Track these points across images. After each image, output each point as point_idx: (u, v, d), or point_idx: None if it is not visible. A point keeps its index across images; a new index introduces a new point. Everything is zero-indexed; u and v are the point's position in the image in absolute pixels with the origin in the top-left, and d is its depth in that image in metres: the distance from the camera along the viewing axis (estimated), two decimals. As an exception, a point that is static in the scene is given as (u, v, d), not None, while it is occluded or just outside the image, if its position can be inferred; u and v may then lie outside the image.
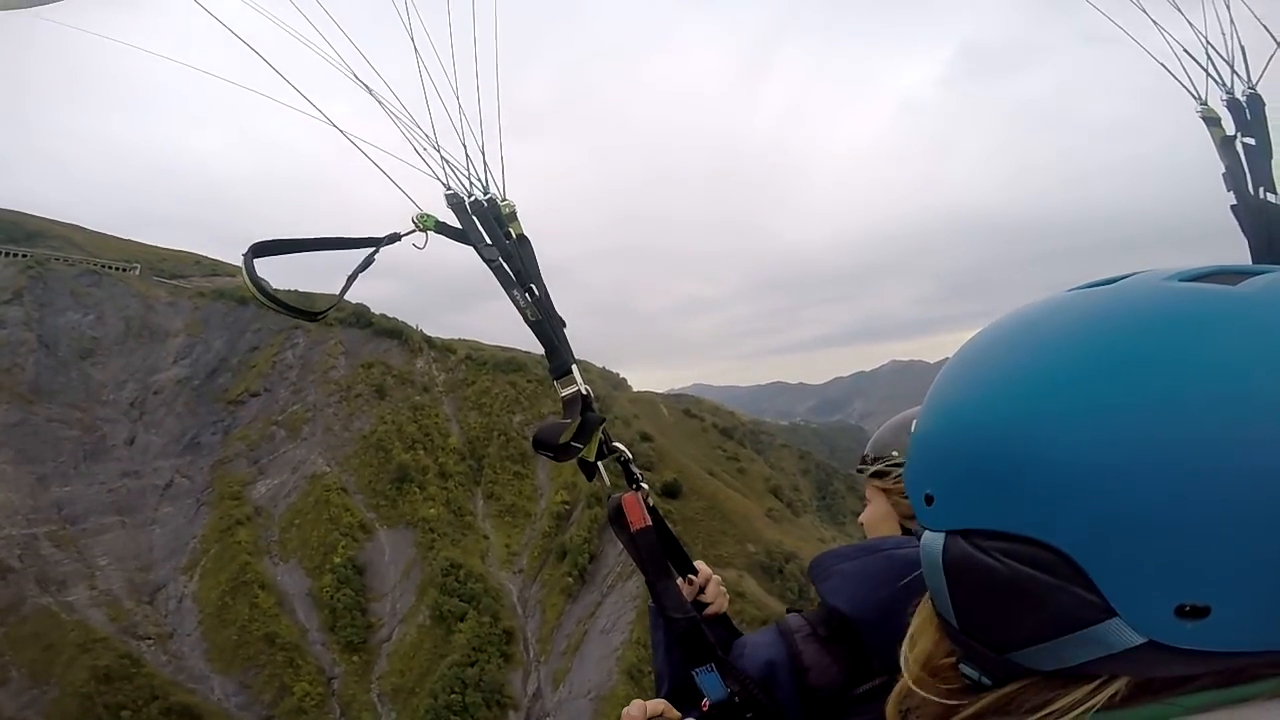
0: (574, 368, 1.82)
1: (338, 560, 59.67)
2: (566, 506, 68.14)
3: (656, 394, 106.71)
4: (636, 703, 1.49)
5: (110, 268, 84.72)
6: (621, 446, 1.88)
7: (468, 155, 1.91)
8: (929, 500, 0.85)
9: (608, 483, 1.80)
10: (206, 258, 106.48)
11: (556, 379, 1.84)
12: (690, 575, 1.87)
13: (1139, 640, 0.66)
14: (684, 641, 1.59)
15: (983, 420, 0.78)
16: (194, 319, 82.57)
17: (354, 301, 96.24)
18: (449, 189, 1.88)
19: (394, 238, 1.74)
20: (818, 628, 1.52)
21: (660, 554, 1.70)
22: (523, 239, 1.96)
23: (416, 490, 68.61)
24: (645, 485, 1.81)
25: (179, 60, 2.26)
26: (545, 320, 1.84)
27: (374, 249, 1.72)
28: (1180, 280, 0.75)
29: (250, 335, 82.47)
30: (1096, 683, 0.71)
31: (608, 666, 52.93)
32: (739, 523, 67.00)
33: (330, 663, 53.40)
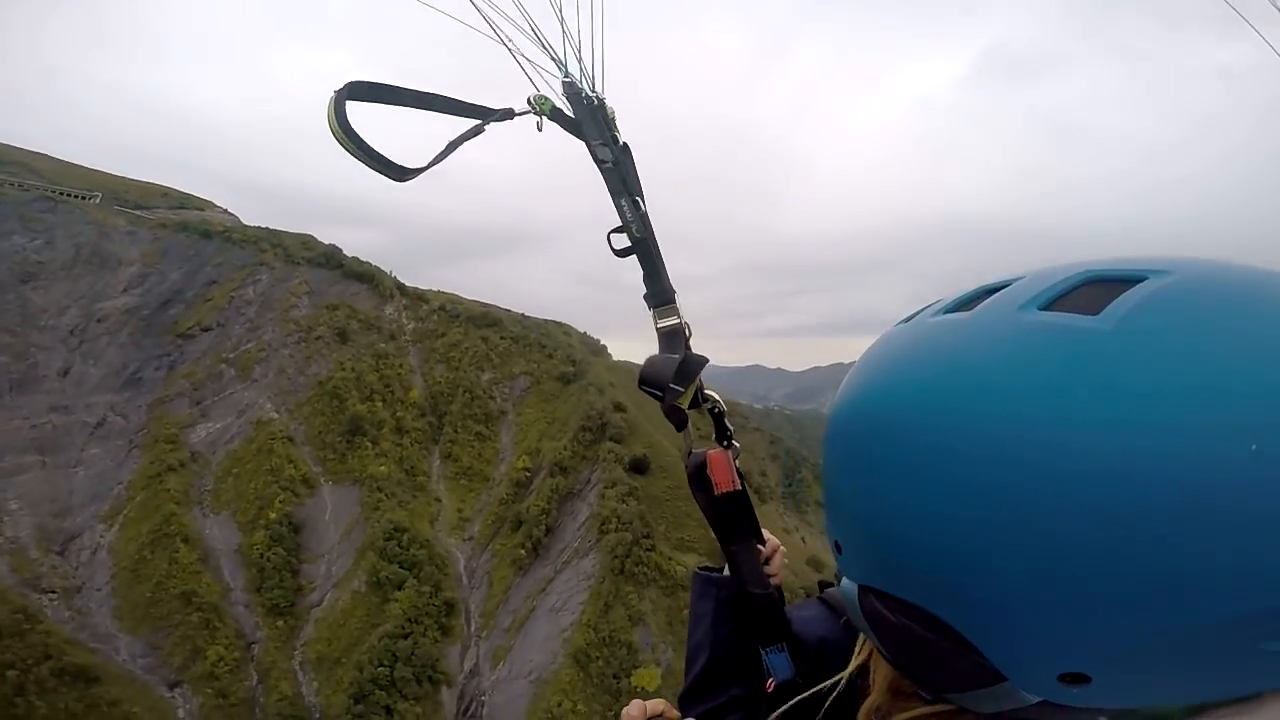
0: (677, 296, 1.58)
1: (273, 516, 55.87)
2: (527, 474, 64.29)
3: (635, 365, 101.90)
4: (636, 703, 1.43)
5: (69, 195, 79.52)
6: (716, 396, 1.61)
7: (579, 57, 1.71)
8: (839, 548, 0.82)
9: (693, 434, 1.60)
10: (176, 190, 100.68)
11: (655, 308, 1.58)
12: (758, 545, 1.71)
13: (1036, 699, 0.67)
14: (758, 618, 1.48)
15: (854, 485, 0.75)
16: (152, 249, 77.31)
17: (326, 243, 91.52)
18: (567, 76, 1.67)
19: (508, 113, 1.60)
20: None
21: (744, 521, 1.54)
22: (625, 147, 1.70)
23: (369, 445, 64.44)
24: (736, 444, 1.59)
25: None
26: (649, 238, 1.59)
27: (484, 120, 1.57)
28: (1039, 308, 0.69)
29: (210, 269, 77.31)
30: None
31: (553, 648, 49.55)
32: (706, 504, 63.23)
33: (252, 626, 49.96)
